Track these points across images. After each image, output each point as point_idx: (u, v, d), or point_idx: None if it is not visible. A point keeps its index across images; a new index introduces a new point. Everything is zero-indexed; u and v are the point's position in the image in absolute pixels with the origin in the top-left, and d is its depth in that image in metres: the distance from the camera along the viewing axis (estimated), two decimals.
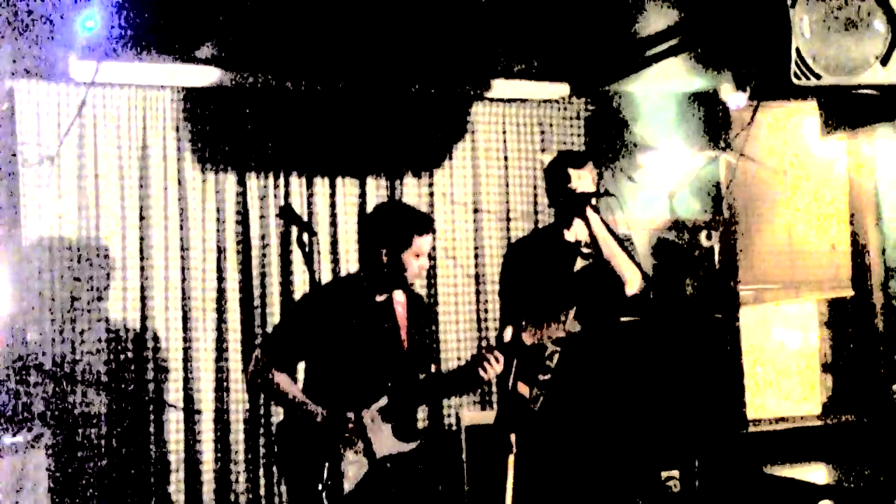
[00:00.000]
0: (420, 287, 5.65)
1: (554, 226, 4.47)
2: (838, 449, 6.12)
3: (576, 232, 4.38)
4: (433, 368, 4.10)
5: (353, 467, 3.66)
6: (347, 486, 3.63)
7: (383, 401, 3.76)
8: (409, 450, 3.80)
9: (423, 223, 3.88)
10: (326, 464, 3.55)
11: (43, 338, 5.03)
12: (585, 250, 4.35)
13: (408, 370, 3.91)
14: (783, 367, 6.71)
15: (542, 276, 4.34)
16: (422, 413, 5.60)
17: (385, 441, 3.73)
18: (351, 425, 3.67)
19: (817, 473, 5.64)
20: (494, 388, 5.72)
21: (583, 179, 4.29)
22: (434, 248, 5.71)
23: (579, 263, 4.36)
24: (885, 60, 4.27)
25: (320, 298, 3.86)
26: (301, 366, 4.30)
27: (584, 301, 4.17)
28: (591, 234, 4.21)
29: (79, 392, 5.05)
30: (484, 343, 5.41)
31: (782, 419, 6.49)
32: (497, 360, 3.69)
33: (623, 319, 5.49)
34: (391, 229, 3.84)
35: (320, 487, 3.48)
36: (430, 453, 5.02)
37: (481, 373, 3.69)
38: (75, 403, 5.04)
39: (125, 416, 5.13)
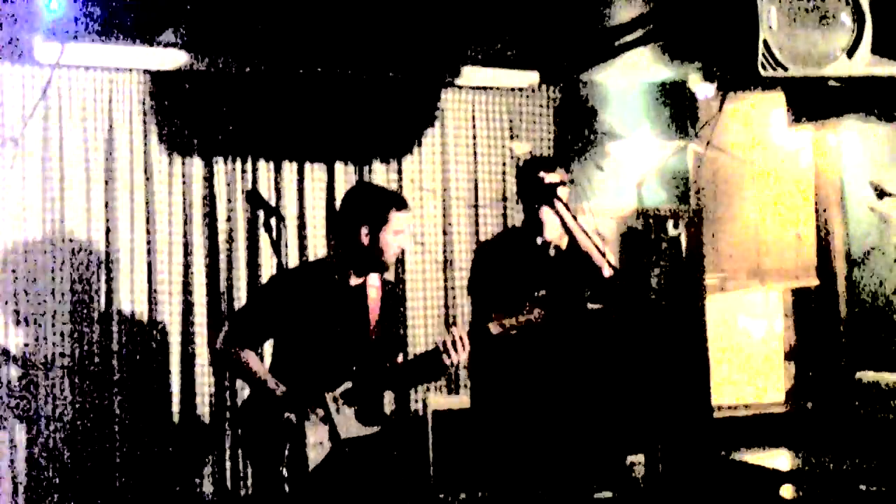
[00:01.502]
0: (388, 275, 5.66)
1: (523, 227, 4.50)
2: (801, 435, 6.18)
3: (545, 232, 4.41)
4: (401, 357, 4.09)
5: (316, 449, 3.66)
6: (310, 466, 3.63)
7: (347, 385, 3.77)
8: (371, 433, 3.81)
9: (399, 200, 3.90)
10: (288, 445, 3.54)
11: (6, 327, 4.99)
12: (553, 252, 4.39)
13: (374, 356, 3.92)
14: (748, 355, 6.76)
15: (512, 276, 4.37)
16: (388, 397, 5.62)
17: (347, 424, 3.74)
18: (312, 405, 3.66)
19: (780, 459, 5.69)
20: (463, 374, 5.80)
21: (550, 179, 4.34)
22: None
23: (548, 257, 4.40)
24: (850, 53, 4.31)
25: (289, 281, 3.85)
26: (269, 347, 4.29)
27: (556, 290, 4.20)
28: (563, 223, 4.25)
29: (43, 380, 5.03)
30: (451, 330, 5.43)
31: (746, 406, 6.55)
32: (462, 346, 3.70)
33: (589, 307, 5.56)
34: (368, 207, 3.83)
35: (282, 468, 3.48)
36: (393, 437, 5.03)
37: (445, 359, 3.70)
38: (40, 392, 5.02)
39: (90, 403, 5.11)
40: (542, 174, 4.30)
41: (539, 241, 4.41)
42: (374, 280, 3.96)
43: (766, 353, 6.80)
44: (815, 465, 5.49)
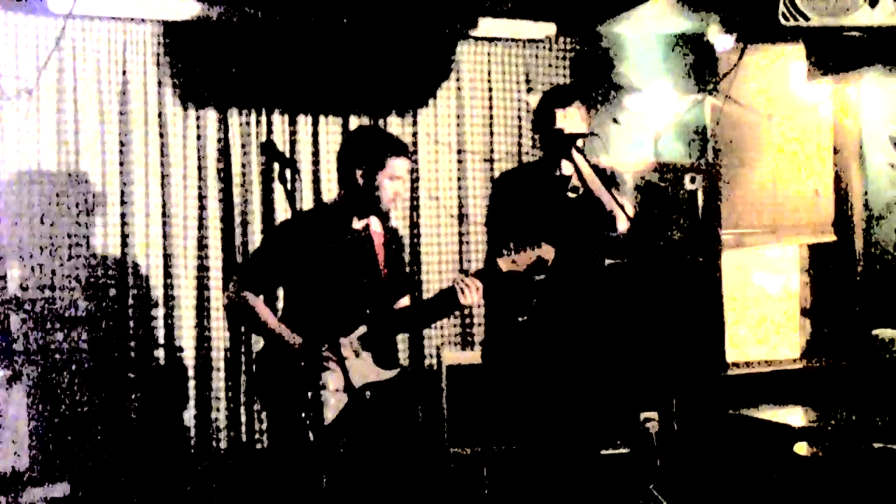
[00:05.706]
0: (403, 227, 5.65)
1: (544, 161, 4.45)
2: (816, 392, 6.17)
3: (564, 170, 4.36)
4: (409, 300, 4.10)
5: (335, 396, 3.67)
6: (330, 415, 3.64)
7: (362, 329, 3.77)
8: (389, 377, 3.82)
9: (398, 146, 3.89)
10: (309, 393, 3.55)
11: (22, 273, 5.00)
12: (575, 183, 4.32)
13: (386, 298, 3.93)
14: (763, 311, 6.74)
15: (530, 208, 4.33)
16: (403, 354, 5.62)
17: (366, 368, 3.75)
18: (326, 353, 3.67)
19: (795, 416, 5.69)
20: (475, 328, 5.80)
21: (569, 119, 4.25)
22: (417, 188, 5.71)
23: (567, 198, 4.34)
24: (873, 2, 4.25)
25: (298, 224, 3.85)
26: (281, 294, 4.29)
27: (570, 236, 4.16)
28: (580, 175, 4.20)
29: (59, 328, 5.03)
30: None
31: (761, 362, 6.54)
32: (475, 285, 3.70)
33: (606, 262, 5.53)
34: (366, 150, 3.85)
35: (304, 416, 3.48)
36: (410, 382, 5.03)
37: (459, 297, 3.70)
38: (56, 339, 5.03)
39: (106, 352, 5.12)
40: (559, 125, 4.23)
41: (559, 173, 4.37)
42: (376, 225, 3.97)
43: (782, 310, 6.78)
44: (829, 422, 5.49)
